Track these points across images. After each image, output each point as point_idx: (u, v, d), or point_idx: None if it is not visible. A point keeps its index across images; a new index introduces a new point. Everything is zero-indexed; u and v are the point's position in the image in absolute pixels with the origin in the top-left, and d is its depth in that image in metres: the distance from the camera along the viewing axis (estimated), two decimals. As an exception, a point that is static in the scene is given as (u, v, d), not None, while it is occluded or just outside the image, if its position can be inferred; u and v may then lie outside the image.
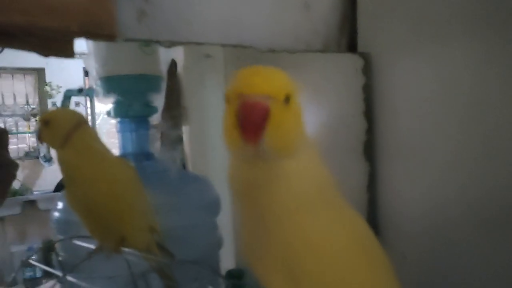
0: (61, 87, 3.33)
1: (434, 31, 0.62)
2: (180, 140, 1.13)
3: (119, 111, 0.94)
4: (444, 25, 0.60)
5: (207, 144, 1.13)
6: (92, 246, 0.73)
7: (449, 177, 0.61)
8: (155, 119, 1.07)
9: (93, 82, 0.95)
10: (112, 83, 0.91)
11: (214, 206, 0.97)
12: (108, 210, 0.64)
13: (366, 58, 0.69)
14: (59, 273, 0.67)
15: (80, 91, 0.98)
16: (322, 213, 0.36)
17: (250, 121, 0.32)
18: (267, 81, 0.33)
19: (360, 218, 0.42)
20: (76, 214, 0.67)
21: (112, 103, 0.94)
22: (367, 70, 0.69)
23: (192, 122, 1.15)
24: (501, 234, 0.56)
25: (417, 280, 0.64)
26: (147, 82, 0.94)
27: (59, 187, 3.56)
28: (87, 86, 3.08)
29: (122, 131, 0.95)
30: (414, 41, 0.64)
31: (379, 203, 0.69)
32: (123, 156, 0.95)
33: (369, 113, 0.69)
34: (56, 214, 0.88)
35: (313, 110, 0.72)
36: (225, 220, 1.07)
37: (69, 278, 0.64)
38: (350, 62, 0.70)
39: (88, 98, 3.58)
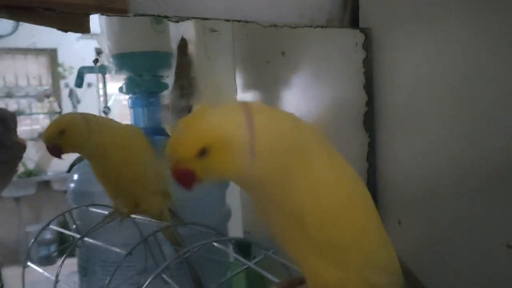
0: (73, 68, 3.39)
1: (433, 8, 0.64)
2: (189, 110, 1.16)
3: (131, 87, 0.97)
4: (443, 2, 0.63)
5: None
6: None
7: (444, 145, 0.64)
8: (166, 98, 1.11)
9: (106, 59, 0.98)
10: (125, 60, 0.94)
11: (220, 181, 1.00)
12: (125, 176, 0.68)
13: (367, 34, 0.72)
14: (76, 235, 0.72)
15: (95, 61, 1.01)
16: (307, 153, 0.38)
17: (179, 185, 0.36)
18: (175, 147, 0.35)
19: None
20: (100, 183, 0.73)
21: (124, 80, 0.98)
22: (368, 45, 0.72)
23: (202, 96, 1.18)
24: (494, 198, 0.59)
25: (412, 245, 0.68)
26: (158, 58, 0.97)
27: (73, 168, 3.64)
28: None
29: (134, 106, 0.99)
30: (414, 17, 0.67)
31: (377, 172, 0.72)
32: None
33: (369, 86, 0.72)
34: (72, 185, 0.93)
35: (316, 84, 0.75)
36: (233, 193, 1.11)
37: (87, 240, 0.68)
38: (351, 37, 0.73)
39: (100, 79, 3.64)
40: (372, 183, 0.72)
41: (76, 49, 3.12)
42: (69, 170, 3.32)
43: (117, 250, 0.66)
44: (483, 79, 0.59)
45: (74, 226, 0.85)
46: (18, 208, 3.20)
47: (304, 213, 0.37)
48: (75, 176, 0.93)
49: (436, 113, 0.65)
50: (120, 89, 1.00)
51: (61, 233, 2.91)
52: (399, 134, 0.71)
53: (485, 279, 0.59)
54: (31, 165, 3.31)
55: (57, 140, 0.64)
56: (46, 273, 0.72)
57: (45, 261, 2.82)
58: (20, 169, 3.17)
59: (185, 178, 0.35)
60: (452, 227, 0.64)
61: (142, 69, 0.97)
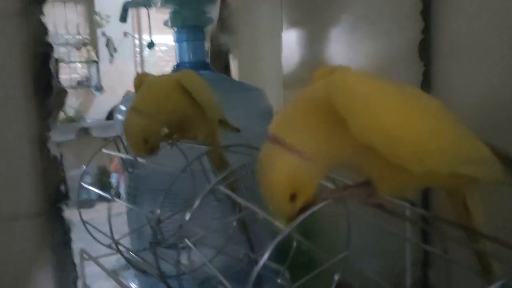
0: (110, 16, 3.40)
1: None
2: (228, 47, 1.16)
3: (176, 21, 0.97)
4: None
5: (257, 57, 1.16)
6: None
7: (503, 79, 0.62)
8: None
9: None
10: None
11: (267, 115, 1.01)
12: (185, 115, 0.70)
13: (427, -43, 0.69)
14: (131, 158, 0.73)
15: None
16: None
17: None
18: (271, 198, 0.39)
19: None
20: None
21: (169, 13, 0.98)
22: (427, -32, 0.69)
23: (244, 34, 1.17)
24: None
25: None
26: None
27: (111, 115, 3.72)
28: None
29: (179, 41, 0.98)
30: None
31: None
32: (180, 66, 0.99)
33: (426, 12, 0.69)
34: (120, 116, 0.95)
35: (371, 10, 0.73)
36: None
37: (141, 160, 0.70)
38: (409, -39, 0.70)
39: (135, 29, 3.65)
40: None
41: (113, -3, 3.11)
42: (107, 118, 3.41)
43: (168, 169, 0.67)
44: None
45: (124, 153, 0.87)
46: (61, 152, 3.31)
47: (373, 136, 0.36)
48: (123, 107, 0.95)
49: (496, 43, 0.62)
50: (166, 23, 0.99)
51: (100, 178, 3.00)
52: (456, 64, 0.68)
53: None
54: (71, 112, 3.39)
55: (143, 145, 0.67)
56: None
57: (85, 204, 2.92)
58: (61, 115, 3.26)
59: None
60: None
61: (186, 2, 0.96)
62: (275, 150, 0.38)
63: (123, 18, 1.10)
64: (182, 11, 0.96)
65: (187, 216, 0.53)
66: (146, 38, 3.89)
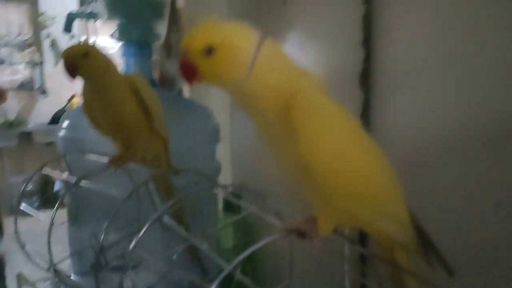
0: (55, 17, 3.28)
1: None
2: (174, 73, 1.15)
3: (123, 34, 0.95)
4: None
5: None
6: (99, 159, 0.78)
7: (439, 106, 0.65)
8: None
9: (98, 5, 0.96)
10: (117, 5, 0.92)
11: (213, 134, 1.01)
12: (135, 120, 0.69)
13: (368, -11, 0.71)
14: (73, 178, 0.71)
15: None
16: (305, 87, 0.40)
17: (182, 74, 0.41)
18: (187, 39, 0.39)
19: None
20: (102, 130, 0.73)
21: (117, 26, 0.96)
22: (368, 0, 0.71)
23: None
24: (484, 159, 0.61)
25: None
26: (151, 6, 0.95)
27: (55, 119, 3.58)
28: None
29: (125, 55, 0.97)
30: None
31: (371, 130, 0.73)
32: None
33: (367, 43, 0.72)
34: (62, 131, 0.92)
35: (314, 38, 0.75)
36: (223, 149, 1.11)
37: (84, 183, 0.68)
38: (352, -8, 0.72)
39: (82, 30, 3.54)
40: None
41: (59, -3, 3.01)
42: (51, 122, 3.28)
43: (114, 192, 0.66)
44: (483, 40, 0.59)
45: (66, 172, 0.84)
46: (1, 159, 3.16)
47: (311, 161, 0.38)
48: (66, 123, 0.92)
49: (434, 73, 0.66)
50: (112, 35, 0.97)
51: (43, 185, 2.87)
52: (394, 93, 0.71)
53: (473, 235, 0.62)
54: (12, 116, 3.24)
55: (77, 60, 0.64)
56: (40, 217, 0.72)
57: (26, 212, 2.79)
58: (0, 119, 3.12)
59: (188, 70, 0.40)
60: (443, 184, 0.65)
61: (134, 16, 0.94)
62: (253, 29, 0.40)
63: (68, 29, 1.07)
64: (129, 25, 0.95)
65: (132, 245, 0.52)
66: (93, 39, 3.78)
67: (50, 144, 3.50)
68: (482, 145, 0.60)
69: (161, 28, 0.99)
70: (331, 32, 0.76)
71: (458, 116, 0.63)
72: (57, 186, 2.81)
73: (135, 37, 0.95)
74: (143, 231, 0.54)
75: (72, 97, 3.76)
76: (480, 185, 0.61)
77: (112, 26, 0.99)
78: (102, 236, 0.60)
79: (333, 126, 0.39)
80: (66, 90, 3.44)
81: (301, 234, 0.45)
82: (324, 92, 0.41)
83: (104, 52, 0.68)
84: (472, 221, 0.62)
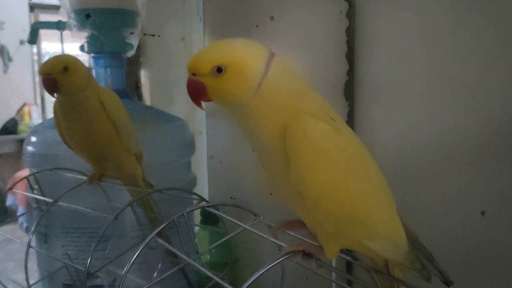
0: (4, 23, 3.15)
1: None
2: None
3: (94, 46, 0.92)
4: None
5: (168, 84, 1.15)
6: (72, 176, 0.74)
7: (421, 116, 0.66)
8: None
9: (66, 15, 0.92)
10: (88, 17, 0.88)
11: (188, 146, 0.99)
12: (107, 138, 0.66)
13: (351, 2, 0.72)
14: (49, 200, 0.68)
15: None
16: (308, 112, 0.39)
17: (188, 94, 0.40)
18: (196, 60, 0.39)
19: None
20: (74, 147, 0.70)
21: (86, 38, 0.92)
22: (351, 14, 0.72)
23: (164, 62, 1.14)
24: (469, 168, 0.62)
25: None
26: (123, 17, 0.92)
27: (4, 130, 3.43)
28: (32, 22, 2.92)
29: (96, 66, 0.93)
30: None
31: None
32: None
33: (350, 55, 0.73)
34: (30, 148, 0.87)
35: (300, 51, 0.75)
36: (199, 161, 1.10)
37: (60, 203, 0.65)
38: (335, 6, 0.73)
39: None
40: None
41: (7, 4, 2.90)
42: (0, 133, 3.13)
43: (96, 213, 0.63)
44: (463, 53, 0.61)
45: (34, 191, 0.80)
46: None
47: (304, 185, 0.39)
48: (33, 139, 0.88)
49: (415, 85, 0.67)
50: (81, 48, 0.94)
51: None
52: (378, 104, 0.72)
53: (460, 245, 0.63)
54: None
55: (57, 75, 0.61)
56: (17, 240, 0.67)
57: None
58: None
59: (196, 89, 0.39)
60: (428, 195, 0.66)
61: (105, 27, 0.91)
62: (262, 47, 0.40)
63: (33, 40, 1.02)
64: (100, 36, 0.91)
65: (124, 271, 0.50)
66: (45, 46, 3.66)
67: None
68: (467, 155, 0.62)
69: (134, 39, 0.96)
70: (317, 45, 0.76)
71: (442, 127, 0.64)
72: (9, 201, 2.68)
73: (107, 49, 0.91)
74: (134, 257, 0.51)
75: (23, 106, 3.61)
76: (466, 193, 0.63)
77: (79, 36, 0.95)
78: (89, 261, 0.57)
79: (327, 155, 0.39)
80: (16, 99, 3.31)
81: (307, 254, 0.44)
82: (327, 112, 0.41)
83: (84, 64, 0.65)
84: (456, 230, 0.64)
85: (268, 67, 0.39)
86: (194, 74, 0.39)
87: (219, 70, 0.38)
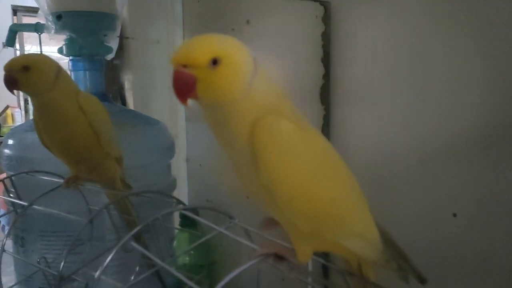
0: (-14, 25, 3.10)
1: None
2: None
3: (72, 49, 0.91)
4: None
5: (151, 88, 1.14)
6: (49, 179, 0.74)
7: (395, 120, 0.67)
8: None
9: (44, 18, 0.91)
10: (65, 19, 0.88)
11: (168, 149, 0.99)
12: (85, 141, 0.65)
13: (326, 7, 0.73)
14: (24, 203, 0.67)
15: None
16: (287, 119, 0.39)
17: (175, 88, 0.36)
18: (189, 50, 0.36)
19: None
20: (52, 149, 0.69)
21: (65, 41, 0.92)
22: (327, 18, 0.73)
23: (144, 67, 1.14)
24: (442, 170, 0.63)
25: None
26: (102, 19, 0.92)
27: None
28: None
29: (75, 69, 0.93)
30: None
31: (332, 143, 0.74)
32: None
33: (326, 59, 0.73)
34: (7, 151, 0.87)
35: (276, 55, 0.75)
36: (179, 163, 1.09)
37: (36, 207, 0.64)
38: (311, 10, 0.74)
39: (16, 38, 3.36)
40: (326, 155, 0.74)
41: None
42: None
43: (71, 217, 0.63)
44: (438, 58, 0.62)
45: (11, 194, 0.79)
46: None
47: (273, 185, 0.38)
48: (10, 141, 0.87)
49: (391, 89, 0.68)
50: (60, 51, 0.93)
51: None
52: (354, 108, 0.73)
53: (432, 246, 0.64)
54: None
55: (17, 74, 0.60)
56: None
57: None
58: None
59: (186, 83, 0.35)
60: (401, 197, 0.67)
61: (84, 30, 0.91)
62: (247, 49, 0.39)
63: (11, 42, 1.01)
64: (78, 39, 0.91)
65: (97, 275, 0.50)
66: (29, 49, 3.62)
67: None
68: (441, 159, 0.63)
69: (113, 41, 0.96)
70: (293, 49, 0.77)
71: (417, 131, 0.65)
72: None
73: (86, 52, 0.91)
74: (108, 260, 0.51)
75: (6, 108, 3.57)
76: (438, 195, 0.64)
77: (58, 38, 0.95)
78: (62, 265, 0.57)
79: (294, 153, 0.38)
80: (-1, 101, 3.26)
81: (279, 257, 0.44)
82: (294, 114, 0.41)
83: (55, 64, 0.64)
84: (428, 232, 0.65)
85: (256, 65, 0.38)
86: (185, 66, 0.35)
87: (215, 62, 0.35)
